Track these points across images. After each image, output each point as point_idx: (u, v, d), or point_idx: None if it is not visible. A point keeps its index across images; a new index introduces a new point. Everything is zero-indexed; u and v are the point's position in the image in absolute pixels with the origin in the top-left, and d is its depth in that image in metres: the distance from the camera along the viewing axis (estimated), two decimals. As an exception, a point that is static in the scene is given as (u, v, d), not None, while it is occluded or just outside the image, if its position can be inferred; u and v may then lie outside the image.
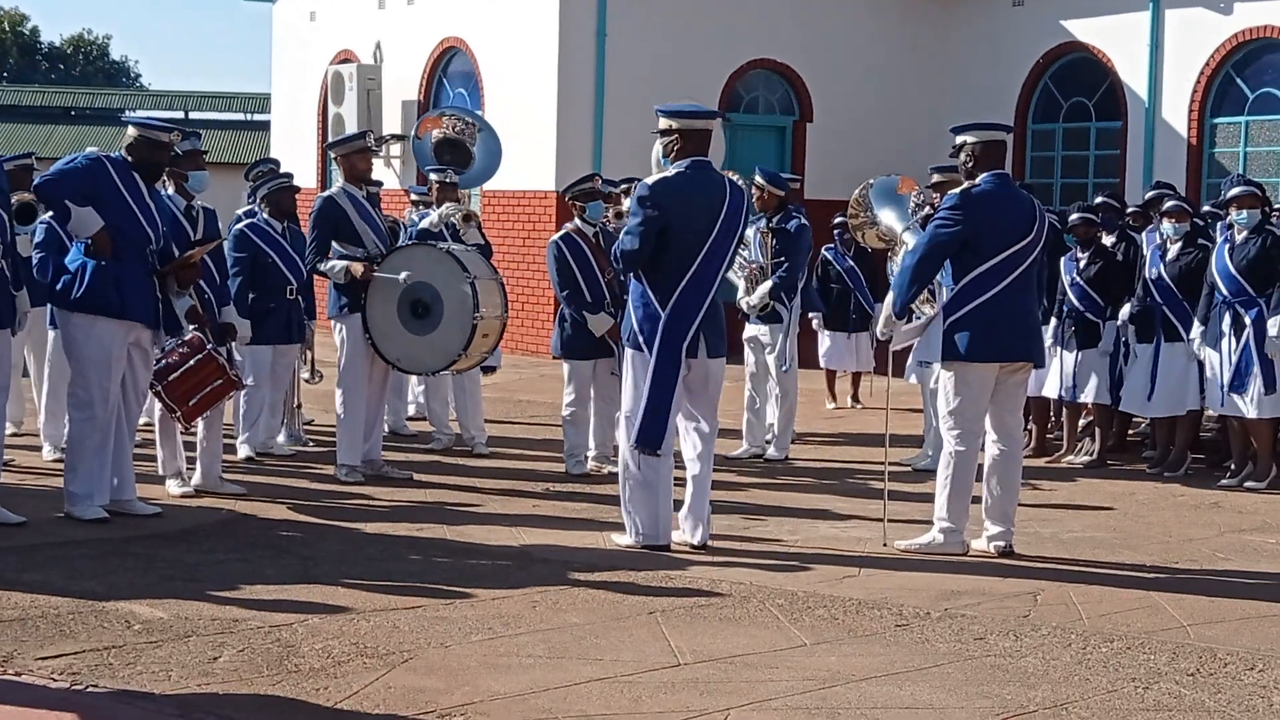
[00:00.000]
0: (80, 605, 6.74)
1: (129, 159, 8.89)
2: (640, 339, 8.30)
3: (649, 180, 8.37)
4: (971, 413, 8.33)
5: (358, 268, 10.12)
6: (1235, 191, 10.90)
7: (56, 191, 8.66)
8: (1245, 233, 10.75)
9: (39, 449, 10.96)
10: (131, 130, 8.99)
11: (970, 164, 8.39)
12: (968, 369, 8.28)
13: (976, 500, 8.43)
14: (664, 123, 8.35)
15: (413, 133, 15.39)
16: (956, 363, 8.28)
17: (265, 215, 11.13)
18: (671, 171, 8.31)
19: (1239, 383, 10.69)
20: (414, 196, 13.54)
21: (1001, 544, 8.37)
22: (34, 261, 9.92)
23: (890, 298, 8.62)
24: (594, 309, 10.65)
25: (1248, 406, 10.71)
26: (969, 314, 8.21)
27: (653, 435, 8.23)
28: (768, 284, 11.47)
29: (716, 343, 8.39)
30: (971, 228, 8.19)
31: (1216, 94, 18.83)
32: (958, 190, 8.45)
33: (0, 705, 5.39)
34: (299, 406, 11.87)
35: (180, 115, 44.52)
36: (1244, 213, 10.76)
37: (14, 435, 11.00)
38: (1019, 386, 8.51)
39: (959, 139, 8.44)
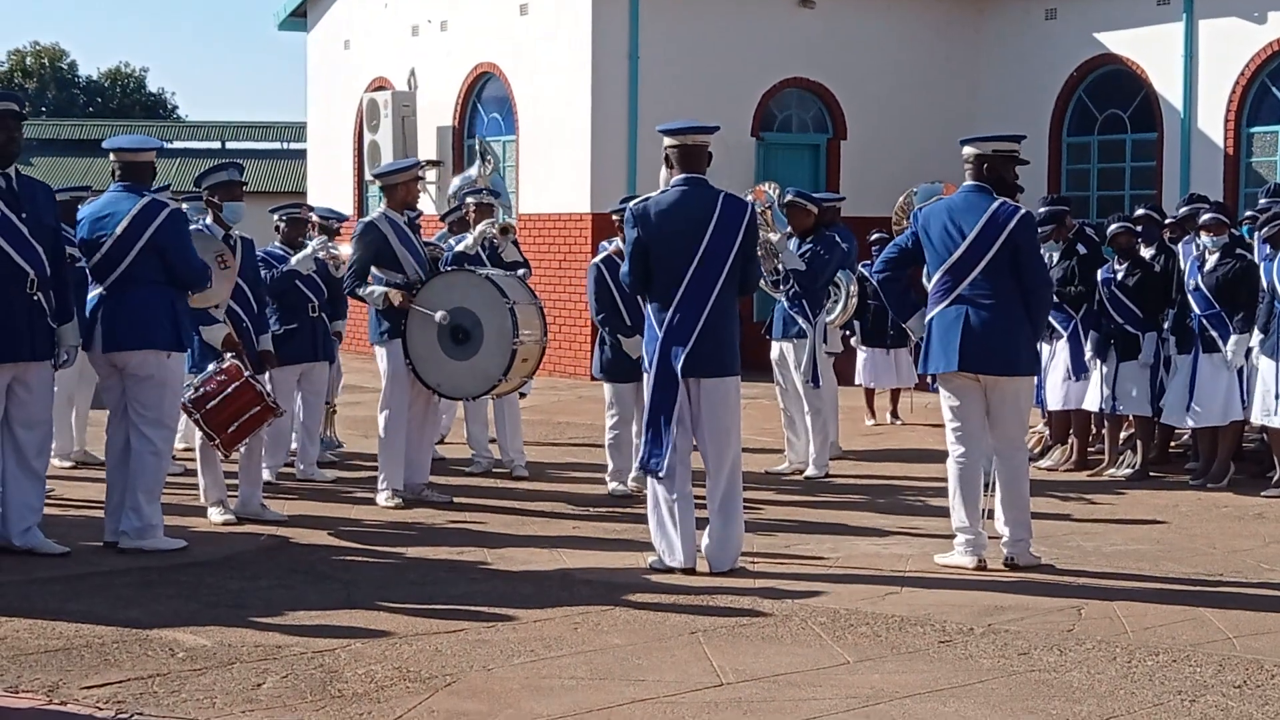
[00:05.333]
0: (124, 634, 6.78)
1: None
2: (646, 361, 8.30)
3: (633, 202, 8.39)
4: (962, 419, 8.35)
5: (396, 296, 10.15)
6: None
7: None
8: None
9: (74, 479, 11.05)
10: None
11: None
12: (942, 379, 8.39)
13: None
14: (664, 140, 8.38)
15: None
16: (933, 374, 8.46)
17: (278, 241, 11.41)
18: (659, 191, 8.32)
19: None
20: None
21: (1009, 553, 8.32)
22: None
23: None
24: (630, 332, 10.64)
25: None
26: (929, 326, 8.35)
27: (653, 458, 8.13)
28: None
29: (723, 361, 8.16)
30: (918, 239, 8.41)
31: (1252, 103, 18.75)
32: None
33: (46, 734, 5.43)
34: (333, 430, 11.97)
35: (217, 145, 44.95)
36: None
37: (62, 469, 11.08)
38: (1012, 397, 8.34)
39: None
